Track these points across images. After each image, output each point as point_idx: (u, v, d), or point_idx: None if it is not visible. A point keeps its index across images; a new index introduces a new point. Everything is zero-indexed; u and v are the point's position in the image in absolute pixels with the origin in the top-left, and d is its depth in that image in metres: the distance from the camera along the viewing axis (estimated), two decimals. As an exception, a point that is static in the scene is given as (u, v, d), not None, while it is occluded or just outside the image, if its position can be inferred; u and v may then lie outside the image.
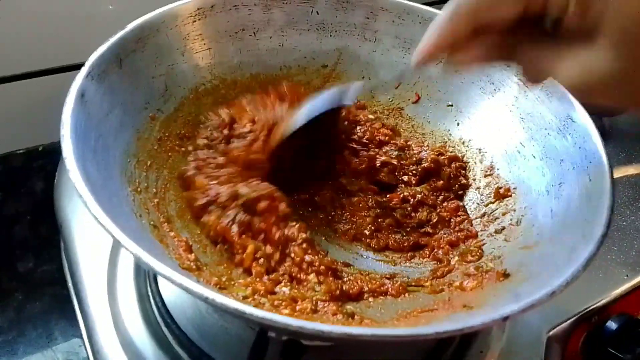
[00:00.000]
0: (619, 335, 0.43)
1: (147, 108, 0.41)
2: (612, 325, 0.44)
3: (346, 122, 0.47)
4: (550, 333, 0.43)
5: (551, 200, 0.37)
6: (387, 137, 0.46)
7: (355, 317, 0.33)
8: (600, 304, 0.45)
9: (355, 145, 0.45)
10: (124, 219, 0.33)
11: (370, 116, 0.48)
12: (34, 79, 0.56)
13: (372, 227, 0.40)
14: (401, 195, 0.42)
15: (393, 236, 0.41)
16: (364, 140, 0.46)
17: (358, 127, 0.47)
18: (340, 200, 0.42)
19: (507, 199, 0.41)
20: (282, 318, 0.25)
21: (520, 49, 0.29)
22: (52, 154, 0.60)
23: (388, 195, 0.42)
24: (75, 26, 0.55)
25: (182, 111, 0.44)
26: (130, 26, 0.40)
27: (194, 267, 0.35)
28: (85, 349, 0.43)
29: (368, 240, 0.40)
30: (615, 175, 0.52)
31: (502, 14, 0.27)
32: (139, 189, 0.38)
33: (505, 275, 0.34)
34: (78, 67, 0.58)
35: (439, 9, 0.48)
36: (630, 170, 0.57)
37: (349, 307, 0.34)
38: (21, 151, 0.60)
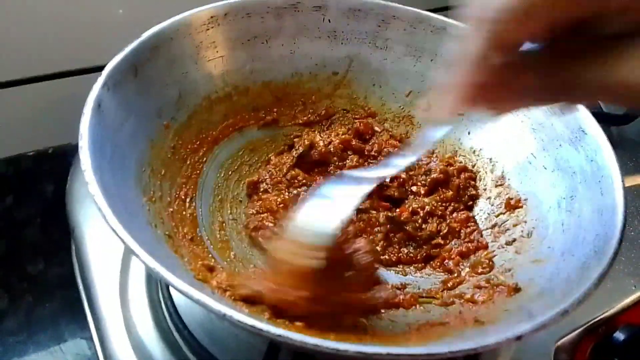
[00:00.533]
0: (626, 346, 0.43)
1: (160, 116, 0.42)
2: (619, 336, 0.44)
3: (354, 139, 0.47)
4: (558, 344, 0.43)
5: (562, 213, 0.37)
6: (395, 149, 0.46)
7: (368, 330, 0.33)
8: (608, 314, 0.45)
9: (363, 160, 0.45)
10: (140, 230, 0.33)
11: (377, 128, 0.48)
12: (43, 82, 0.57)
13: (384, 244, 0.41)
14: (410, 208, 0.42)
15: (404, 250, 0.41)
16: (373, 153, 0.46)
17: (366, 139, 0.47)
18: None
19: (518, 210, 0.41)
20: (298, 336, 0.25)
21: (573, 69, 0.23)
22: (62, 157, 0.60)
23: (398, 210, 0.43)
24: (85, 30, 0.55)
25: (195, 119, 0.44)
26: (145, 35, 0.41)
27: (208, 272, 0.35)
28: (97, 353, 0.44)
29: (380, 256, 0.41)
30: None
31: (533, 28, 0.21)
32: (153, 199, 0.38)
33: (517, 289, 0.34)
34: (88, 71, 0.58)
35: (449, 16, 0.49)
36: (638, 179, 0.57)
37: (362, 320, 0.34)
38: (31, 153, 0.60)
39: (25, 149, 0.60)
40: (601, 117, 0.41)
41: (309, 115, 0.50)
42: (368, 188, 0.34)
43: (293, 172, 0.45)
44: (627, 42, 0.21)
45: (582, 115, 0.40)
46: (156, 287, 0.45)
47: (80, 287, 0.49)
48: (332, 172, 0.46)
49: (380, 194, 0.44)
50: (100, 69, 0.37)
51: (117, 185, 0.34)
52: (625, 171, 0.58)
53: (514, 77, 0.23)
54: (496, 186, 0.44)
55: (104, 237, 0.49)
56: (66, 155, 0.59)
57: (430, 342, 0.29)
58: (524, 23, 0.22)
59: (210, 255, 0.38)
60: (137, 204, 0.36)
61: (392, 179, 0.44)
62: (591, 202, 0.35)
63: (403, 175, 0.44)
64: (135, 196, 0.36)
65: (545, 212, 0.39)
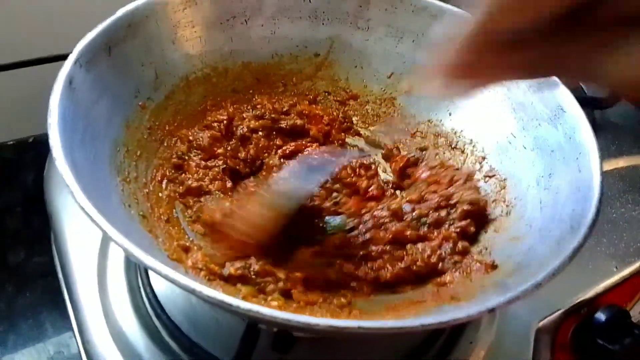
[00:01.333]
0: (608, 326, 0.43)
1: (137, 96, 0.41)
2: (601, 316, 0.44)
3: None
4: (540, 325, 0.43)
5: (541, 191, 0.37)
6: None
7: (345, 307, 0.33)
8: (590, 295, 0.45)
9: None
10: (112, 209, 0.33)
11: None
12: (23, 69, 0.56)
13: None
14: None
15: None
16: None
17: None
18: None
19: (500, 191, 0.41)
20: (269, 311, 0.25)
21: (564, 52, 0.22)
22: (42, 145, 0.59)
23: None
24: (65, 15, 0.54)
25: (172, 99, 0.44)
26: (119, 13, 0.40)
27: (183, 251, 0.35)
28: (76, 341, 0.43)
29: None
30: (606, 168, 0.52)
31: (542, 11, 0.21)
32: (128, 179, 0.37)
33: (494, 267, 0.34)
34: (68, 57, 0.57)
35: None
36: (620, 162, 0.57)
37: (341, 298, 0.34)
38: (11, 142, 0.59)
39: (5, 138, 0.59)
40: (584, 101, 0.41)
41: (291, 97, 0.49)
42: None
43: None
44: (623, 33, 0.21)
45: (562, 93, 0.39)
46: (135, 273, 0.44)
47: (60, 274, 0.48)
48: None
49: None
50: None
51: (89, 164, 0.34)
52: (608, 154, 0.58)
53: (500, 56, 0.23)
54: (477, 167, 0.44)
55: (82, 223, 0.48)
56: (47, 145, 0.58)
57: (404, 318, 0.29)
58: (517, 13, 0.21)
59: (186, 237, 0.37)
60: (110, 183, 0.35)
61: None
62: (569, 179, 0.35)
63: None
64: (109, 176, 0.36)
65: (524, 190, 0.39)
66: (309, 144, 0.46)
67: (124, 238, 0.26)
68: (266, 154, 0.45)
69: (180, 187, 0.40)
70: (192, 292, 0.26)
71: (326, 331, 0.25)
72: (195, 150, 0.43)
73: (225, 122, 0.45)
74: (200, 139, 0.43)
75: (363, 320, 0.25)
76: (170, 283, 0.26)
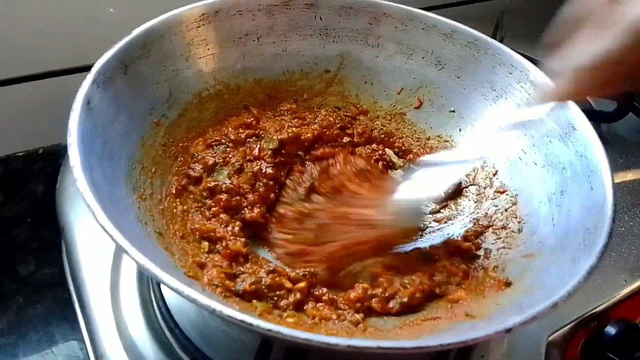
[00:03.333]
0: (618, 340, 0.44)
1: (151, 114, 0.42)
2: (611, 330, 0.44)
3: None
4: (550, 338, 0.43)
5: (552, 208, 0.37)
6: None
7: (359, 325, 0.33)
8: (599, 309, 0.45)
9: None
10: (130, 228, 0.33)
11: None
12: (34, 81, 0.56)
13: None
14: None
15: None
16: None
17: None
18: None
19: (511, 207, 0.41)
20: (289, 331, 0.25)
21: None
22: (52, 156, 0.60)
23: None
24: (76, 29, 0.55)
25: (186, 116, 0.44)
26: (135, 32, 0.40)
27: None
28: (88, 353, 0.44)
29: None
30: (614, 182, 0.53)
31: None
32: (143, 196, 0.38)
33: (507, 284, 0.34)
34: (79, 70, 0.58)
35: (440, 14, 0.49)
36: (628, 176, 0.57)
37: (356, 315, 0.34)
38: (21, 153, 0.59)
39: (15, 149, 0.59)
40: (591, 115, 0.41)
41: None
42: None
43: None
44: None
45: (572, 111, 0.40)
46: (148, 287, 0.45)
47: (71, 287, 0.49)
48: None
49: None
50: (91, 68, 0.37)
51: (107, 182, 0.34)
52: (615, 168, 0.59)
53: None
54: (488, 183, 0.44)
55: (94, 236, 0.48)
56: (56, 156, 0.59)
57: (421, 336, 0.29)
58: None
59: (201, 252, 0.38)
60: (127, 201, 0.36)
61: None
62: (581, 197, 0.36)
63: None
64: (126, 193, 0.36)
65: (535, 207, 0.39)
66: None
67: (148, 260, 0.27)
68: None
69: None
70: (212, 312, 0.26)
71: (346, 352, 0.25)
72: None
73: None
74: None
75: (382, 340, 0.25)
76: (191, 303, 0.27)
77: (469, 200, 0.44)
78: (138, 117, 0.40)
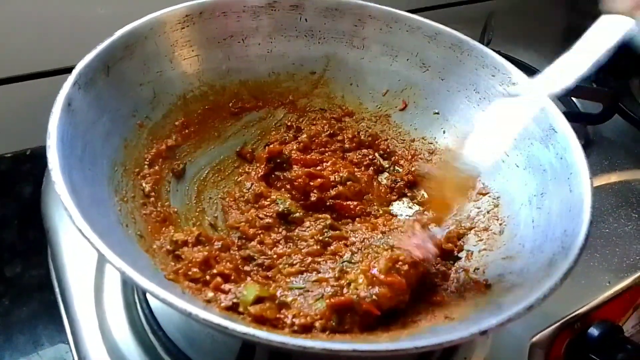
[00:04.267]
0: (601, 341, 0.44)
1: (134, 115, 0.41)
2: (594, 331, 0.44)
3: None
4: (534, 339, 0.43)
5: (533, 210, 0.38)
6: None
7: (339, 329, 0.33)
8: (583, 310, 0.45)
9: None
10: (110, 230, 0.33)
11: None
12: (21, 82, 0.56)
13: None
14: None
15: None
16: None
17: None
18: None
19: (493, 209, 0.41)
20: (264, 334, 0.25)
21: None
22: (39, 158, 0.59)
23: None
24: (65, 30, 0.55)
25: (170, 118, 0.44)
26: (117, 34, 0.40)
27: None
28: (72, 355, 0.43)
29: None
30: (598, 183, 0.53)
31: None
32: (125, 198, 0.38)
33: (487, 286, 0.34)
34: (67, 70, 0.57)
35: (425, 17, 0.50)
36: (613, 177, 0.57)
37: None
38: (8, 155, 0.59)
39: (2, 150, 0.59)
40: (577, 116, 0.41)
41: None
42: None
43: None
44: None
45: (553, 113, 0.40)
46: (132, 289, 0.45)
47: (56, 289, 0.48)
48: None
49: None
50: (74, 70, 0.37)
51: (88, 184, 0.34)
52: (601, 169, 0.59)
53: None
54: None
55: (78, 239, 0.48)
56: (44, 157, 0.58)
57: (400, 339, 0.29)
58: None
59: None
60: (108, 203, 0.36)
61: None
62: (560, 199, 0.36)
63: None
64: (107, 195, 0.36)
65: (517, 209, 0.39)
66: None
67: (124, 264, 0.27)
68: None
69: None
70: (188, 315, 0.26)
71: (322, 354, 0.25)
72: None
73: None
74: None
75: (357, 343, 0.25)
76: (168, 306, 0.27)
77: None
78: (121, 118, 0.40)
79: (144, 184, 0.40)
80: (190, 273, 0.35)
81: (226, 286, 0.34)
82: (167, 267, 0.35)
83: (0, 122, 0.57)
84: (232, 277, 0.35)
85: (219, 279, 0.35)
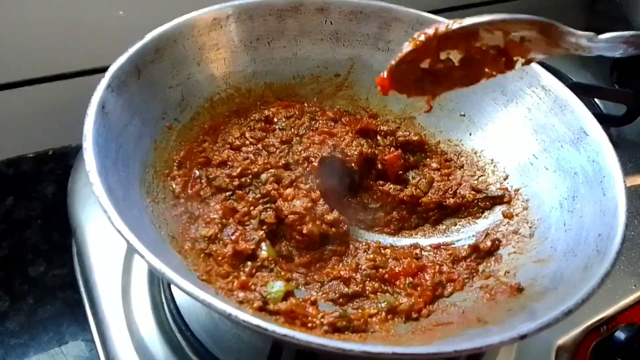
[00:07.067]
0: (627, 345, 0.44)
1: (164, 118, 0.42)
2: (620, 335, 0.44)
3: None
4: (560, 343, 0.43)
5: (564, 213, 0.37)
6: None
7: (370, 331, 0.33)
8: (609, 313, 0.45)
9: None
10: (145, 232, 0.33)
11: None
12: (44, 84, 0.57)
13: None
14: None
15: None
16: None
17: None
18: None
19: (522, 212, 0.41)
20: (303, 336, 0.25)
21: None
22: (62, 158, 0.60)
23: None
24: (86, 32, 0.55)
25: (197, 120, 0.45)
26: (148, 37, 0.41)
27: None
28: (97, 353, 0.44)
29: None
30: (624, 186, 0.52)
31: None
32: (157, 200, 0.38)
33: (519, 289, 0.34)
34: (89, 72, 0.58)
35: (449, 17, 0.49)
36: (638, 180, 0.57)
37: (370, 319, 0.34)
38: (31, 155, 0.60)
39: (25, 150, 0.60)
40: (601, 118, 0.41)
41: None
42: None
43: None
44: None
45: (583, 116, 0.40)
46: (159, 289, 0.45)
47: (82, 288, 0.49)
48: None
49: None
50: (100, 70, 0.37)
51: (122, 186, 0.34)
52: (625, 171, 0.57)
53: None
54: (498, 187, 0.44)
55: (106, 238, 0.49)
56: (66, 157, 0.59)
57: (435, 342, 0.29)
58: None
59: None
60: (141, 204, 0.36)
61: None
62: (593, 203, 0.36)
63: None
64: (139, 197, 0.37)
65: (547, 212, 0.39)
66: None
67: (165, 266, 0.27)
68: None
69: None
70: (227, 317, 0.27)
71: (361, 357, 0.25)
72: None
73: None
74: None
75: (396, 347, 0.25)
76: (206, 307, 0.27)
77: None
78: (151, 121, 0.41)
79: (174, 185, 0.40)
80: (222, 269, 0.35)
81: (252, 281, 0.35)
82: (199, 267, 0.35)
83: (23, 122, 0.58)
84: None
85: (244, 277, 0.35)
